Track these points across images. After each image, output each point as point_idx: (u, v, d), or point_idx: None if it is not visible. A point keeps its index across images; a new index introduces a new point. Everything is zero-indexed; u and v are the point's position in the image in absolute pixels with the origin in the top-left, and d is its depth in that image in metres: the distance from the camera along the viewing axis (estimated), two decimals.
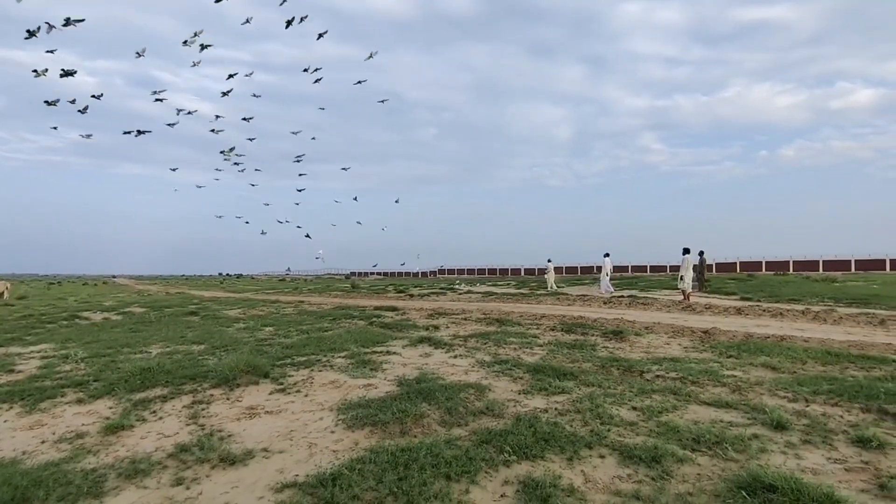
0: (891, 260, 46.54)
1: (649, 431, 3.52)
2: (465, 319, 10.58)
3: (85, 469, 3.13)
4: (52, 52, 11.08)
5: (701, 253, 19.72)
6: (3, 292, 24.19)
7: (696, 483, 2.73)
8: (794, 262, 50.42)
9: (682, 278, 14.72)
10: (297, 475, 2.98)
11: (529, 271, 66.67)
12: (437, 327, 9.42)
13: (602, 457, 3.13)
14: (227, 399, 4.67)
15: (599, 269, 21.19)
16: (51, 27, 9.56)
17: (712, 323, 9.07)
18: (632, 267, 59.34)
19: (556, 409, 4.07)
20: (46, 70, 10.34)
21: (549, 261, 24.01)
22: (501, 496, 2.66)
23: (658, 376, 5.13)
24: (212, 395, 4.77)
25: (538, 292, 20.98)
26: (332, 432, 3.73)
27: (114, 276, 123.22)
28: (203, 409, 4.36)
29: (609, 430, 3.54)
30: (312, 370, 5.76)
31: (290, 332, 9.20)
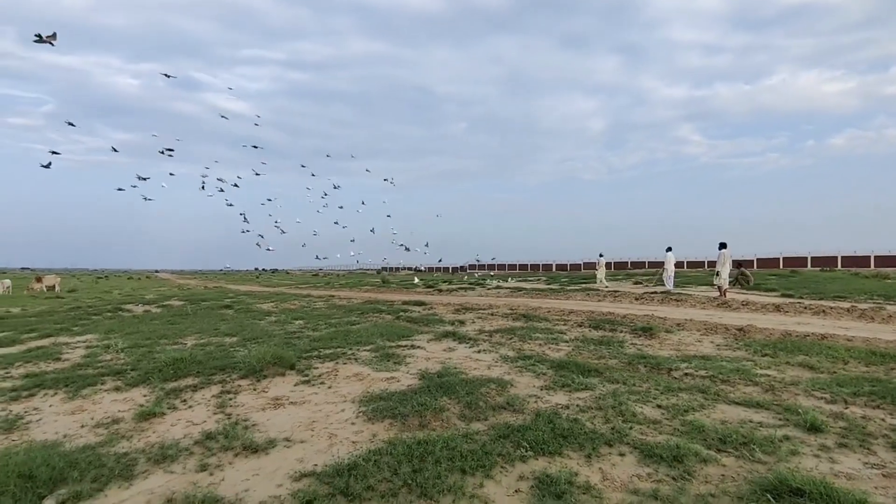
0: None
1: (673, 430, 3.42)
2: (492, 315, 10.53)
3: (118, 453, 3.28)
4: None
5: (740, 265, 18.42)
6: (54, 285, 25.66)
7: (718, 484, 2.63)
8: (842, 257, 47.93)
9: (718, 274, 14.22)
10: (315, 465, 3.04)
11: (561, 266, 65.83)
12: (462, 322, 9.42)
13: (622, 455, 3.06)
14: (254, 390, 4.80)
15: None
16: None
17: (749, 320, 8.73)
18: None
19: (577, 405, 4.01)
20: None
21: (600, 255, 23.06)
22: (516, 491, 2.64)
23: (686, 374, 4.98)
24: (239, 386, 4.92)
25: (568, 288, 20.68)
26: (353, 424, 3.78)
27: (156, 271, 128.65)
28: (231, 399, 4.50)
29: (631, 428, 3.46)
30: (337, 363, 5.86)
31: (318, 326, 9.38)
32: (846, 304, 10.96)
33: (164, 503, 2.60)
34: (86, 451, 3.29)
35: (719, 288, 14.13)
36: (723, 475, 2.75)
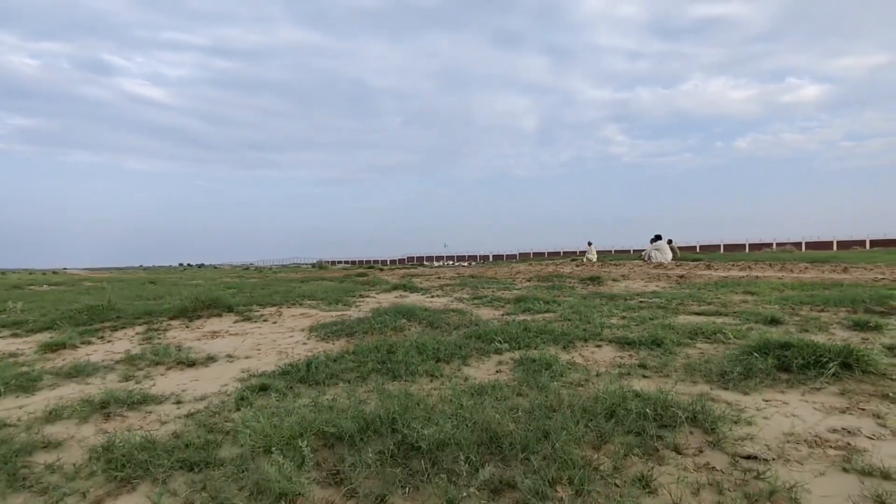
0: (837, 242, 49.40)
1: (642, 332, 3.35)
2: (439, 278, 10.32)
3: (15, 373, 2.71)
4: None
5: (670, 241, 19.38)
6: None
7: (701, 356, 2.56)
8: (749, 244, 52.59)
9: (648, 257, 14.79)
10: (265, 370, 2.66)
11: (498, 257, 66.98)
12: (411, 279, 9.12)
13: (599, 346, 2.94)
14: (187, 327, 4.26)
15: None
16: None
17: (685, 273, 9.11)
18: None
19: (544, 321, 3.87)
20: None
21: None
22: (497, 371, 2.42)
23: (642, 303, 5.00)
24: (170, 325, 4.36)
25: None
26: (305, 344, 3.41)
27: (65, 269, 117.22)
28: (159, 336, 3.94)
29: (602, 330, 3.35)
30: (281, 308, 5.39)
31: (255, 291, 8.71)
32: (767, 263, 11.80)
33: (79, 402, 2.12)
34: None
35: (648, 258, 14.80)
36: (702, 353, 2.69)
